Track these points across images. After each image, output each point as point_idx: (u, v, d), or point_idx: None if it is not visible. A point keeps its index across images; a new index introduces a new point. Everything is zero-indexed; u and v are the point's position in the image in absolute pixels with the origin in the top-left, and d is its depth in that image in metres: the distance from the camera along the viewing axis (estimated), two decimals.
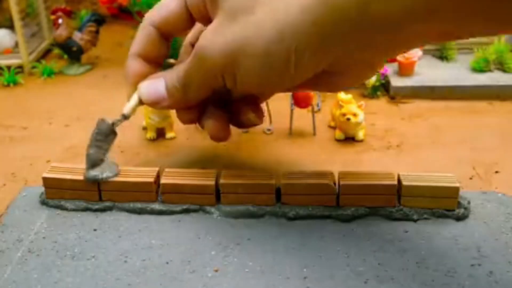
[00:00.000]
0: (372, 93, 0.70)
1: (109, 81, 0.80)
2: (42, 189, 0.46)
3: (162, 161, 0.54)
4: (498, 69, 0.73)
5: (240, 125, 0.46)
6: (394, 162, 0.54)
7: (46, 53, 0.92)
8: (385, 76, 0.71)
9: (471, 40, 0.76)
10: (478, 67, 0.73)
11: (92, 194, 0.45)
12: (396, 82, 0.71)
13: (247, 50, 0.36)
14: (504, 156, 0.55)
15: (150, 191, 0.45)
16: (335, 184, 0.44)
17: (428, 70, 0.74)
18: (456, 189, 0.43)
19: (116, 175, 0.45)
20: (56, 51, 0.90)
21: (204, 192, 0.44)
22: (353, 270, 0.38)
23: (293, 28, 0.34)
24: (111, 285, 0.37)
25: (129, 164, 0.53)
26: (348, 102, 0.57)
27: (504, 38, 0.77)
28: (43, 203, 0.46)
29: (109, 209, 0.45)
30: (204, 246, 0.41)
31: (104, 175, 0.45)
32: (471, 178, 0.51)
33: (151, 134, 0.59)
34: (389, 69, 0.73)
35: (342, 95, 0.58)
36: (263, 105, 0.48)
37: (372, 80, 0.69)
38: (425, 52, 0.77)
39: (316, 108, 0.62)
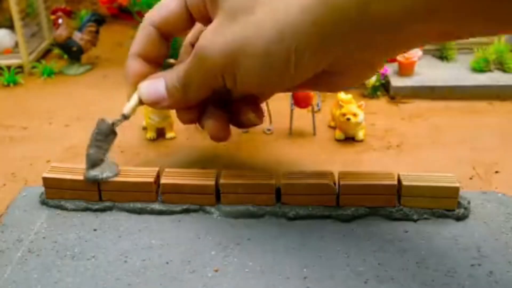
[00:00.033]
0: (372, 93, 0.70)
1: (109, 81, 0.80)
2: (42, 189, 0.46)
3: (162, 161, 0.54)
4: (498, 69, 0.73)
5: (240, 125, 0.46)
6: (394, 162, 0.54)
7: (46, 53, 0.92)
8: (385, 76, 0.71)
9: (471, 40, 0.76)
10: (478, 67, 0.73)
11: (92, 194, 0.45)
12: (396, 82, 0.71)
13: (247, 50, 0.36)
14: (504, 156, 0.55)
15: (150, 191, 0.45)
16: (335, 184, 0.44)
17: (428, 70, 0.74)
18: (456, 189, 0.43)
19: (116, 175, 0.45)
20: (56, 51, 0.90)
21: (204, 192, 0.44)
22: (353, 270, 0.38)
23: (293, 28, 0.34)
24: (111, 285, 0.37)
25: (129, 164, 0.53)
26: (348, 102, 0.57)
27: (504, 38, 0.77)
28: (43, 203, 0.46)
29: (109, 209, 0.45)
30: (204, 246, 0.41)
31: (104, 175, 0.45)
32: (471, 178, 0.51)
33: (151, 134, 0.59)
34: (389, 69, 0.73)
35: (342, 95, 0.58)
36: (263, 105, 0.48)
37: (372, 80, 0.69)
38: (425, 52, 0.77)
39: (316, 108, 0.62)
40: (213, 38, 0.37)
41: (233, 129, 0.46)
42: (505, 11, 0.29)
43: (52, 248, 0.41)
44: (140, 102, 0.44)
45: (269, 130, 0.60)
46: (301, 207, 0.44)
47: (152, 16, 0.43)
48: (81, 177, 0.45)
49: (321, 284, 0.37)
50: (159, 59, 0.46)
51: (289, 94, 0.59)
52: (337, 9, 0.33)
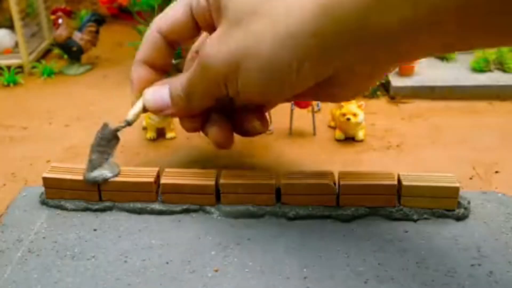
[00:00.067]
0: (372, 93, 0.70)
1: (109, 81, 0.80)
2: (42, 189, 0.46)
3: (162, 161, 0.54)
4: (498, 69, 0.73)
5: (244, 133, 0.46)
6: (394, 162, 0.54)
7: (46, 53, 0.92)
8: (385, 76, 0.71)
9: None
10: (478, 67, 0.73)
11: (92, 194, 0.45)
12: (396, 82, 0.71)
13: (249, 59, 0.36)
14: (504, 156, 0.55)
15: (150, 191, 0.45)
16: (335, 184, 0.44)
17: (428, 70, 0.74)
18: (456, 189, 0.43)
19: (116, 175, 0.45)
20: (56, 51, 0.90)
21: (204, 192, 0.44)
22: (353, 270, 0.38)
23: (293, 40, 0.34)
24: (111, 285, 0.37)
25: (129, 164, 0.53)
26: (348, 102, 0.57)
27: None
28: (43, 203, 0.46)
29: (109, 209, 0.45)
30: (204, 246, 0.41)
31: (104, 176, 0.45)
32: (471, 178, 0.51)
33: (151, 134, 0.59)
34: None
35: None
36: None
37: None
38: None
39: (316, 108, 0.62)
40: (216, 46, 0.38)
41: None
42: (506, 24, 0.29)
43: (52, 248, 0.41)
44: (144, 109, 0.44)
45: (269, 130, 0.60)
46: (301, 207, 0.44)
47: (159, 23, 0.43)
48: (81, 177, 0.45)
49: (321, 284, 0.37)
50: (165, 66, 0.46)
51: None
52: (337, 21, 0.33)
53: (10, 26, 0.87)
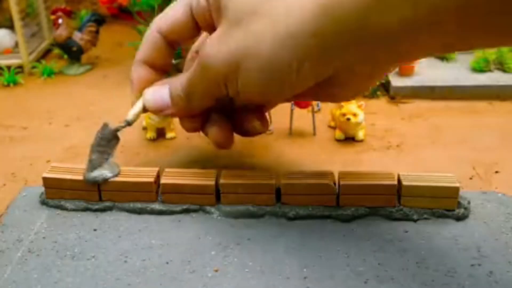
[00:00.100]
0: (372, 93, 0.70)
1: (109, 81, 0.80)
2: (42, 189, 0.46)
3: (162, 161, 0.54)
4: (498, 69, 0.73)
5: (244, 133, 0.46)
6: (394, 162, 0.54)
7: (46, 53, 0.92)
8: (385, 76, 0.71)
9: None
10: (478, 67, 0.73)
11: (92, 194, 0.45)
12: (396, 82, 0.71)
13: (248, 59, 0.36)
14: (504, 156, 0.55)
15: (150, 191, 0.45)
16: (335, 184, 0.44)
17: (428, 70, 0.74)
18: (456, 189, 0.43)
19: (116, 175, 0.45)
20: (56, 51, 0.90)
21: (204, 192, 0.44)
22: (353, 270, 0.38)
23: (293, 40, 0.34)
24: (111, 285, 0.37)
25: (129, 164, 0.53)
26: (348, 102, 0.57)
27: None
28: (43, 203, 0.46)
29: (109, 209, 0.45)
30: (204, 246, 0.41)
31: (104, 176, 0.45)
32: (471, 178, 0.51)
33: (151, 134, 0.59)
34: None
35: None
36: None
37: None
38: None
39: (316, 108, 0.62)
40: (216, 47, 0.38)
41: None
42: (506, 24, 0.29)
43: (52, 248, 0.41)
44: (144, 109, 0.44)
45: (269, 130, 0.60)
46: (301, 207, 0.44)
47: (159, 23, 0.43)
48: (81, 177, 0.45)
49: (321, 284, 0.37)
50: (165, 66, 0.46)
51: None
52: (337, 20, 0.33)
53: (10, 26, 0.87)
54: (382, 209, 0.44)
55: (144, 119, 0.60)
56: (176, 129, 0.60)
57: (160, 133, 0.60)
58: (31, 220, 0.44)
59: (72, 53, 0.84)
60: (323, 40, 0.34)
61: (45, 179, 0.46)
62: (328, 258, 0.39)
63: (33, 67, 0.83)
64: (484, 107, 0.67)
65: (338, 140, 0.58)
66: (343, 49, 0.34)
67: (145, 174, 0.45)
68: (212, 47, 0.38)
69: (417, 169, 0.52)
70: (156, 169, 0.46)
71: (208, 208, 0.45)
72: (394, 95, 0.70)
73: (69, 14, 0.86)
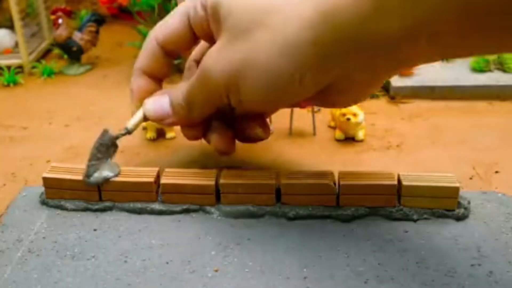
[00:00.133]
0: (372, 94, 0.70)
1: (109, 81, 0.80)
2: (42, 189, 0.46)
3: (162, 161, 0.54)
4: (498, 69, 0.73)
5: (246, 139, 0.46)
6: (394, 162, 0.54)
7: (46, 53, 0.92)
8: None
9: None
10: (478, 67, 0.73)
11: (92, 194, 0.45)
12: (396, 82, 0.71)
13: (249, 71, 0.36)
14: (504, 156, 0.55)
15: (150, 191, 0.45)
16: (335, 184, 0.44)
17: (428, 70, 0.74)
18: (456, 189, 0.43)
19: (117, 175, 0.45)
20: (56, 51, 0.90)
21: (204, 192, 0.44)
22: (353, 270, 0.38)
23: (292, 49, 0.34)
24: (111, 285, 0.37)
25: (129, 164, 0.53)
26: None
27: None
28: (43, 203, 0.46)
29: (109, 209, 0.45)
30: (204, 246, 0.41)
31: (105, 176, 0.45)
32: (471, 178, 0.51)
33: (151, 134, 0.59)
34: None
35: None
36: None
37: None
38: None
39: (316, 108, 0.62)
40: (216, 58, 0.38)
41: None
42: (505, 25, 0.29)
43: (52, 248, 0.41)
44: (145, 118, 0.45)
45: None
46: (301, 207, 0.44)
47: (156, 32, 0.43)
48: (81, 177, 0.45)
49: (321, 284, 0.37)
50: (164, 75, 0.46)
51: None
52: (337, 28, 0.33)
53: (10, 26, 0.87)
54: (382, 209, 0.44)
55: None
56: (176, 129, 0.60)
57: (160, 133, 0.60)
58: (31, 220, 0.44)
59: (72, 53, 0.84)
60: (323, 48, 0.34)
61: (45, 179, 0.46)
62: (328, 258, 0.39)
63: (33, 67, 0.83)
64: (484, 107, 0.67)
65: (338, 140, 0.58)
66: (343, 56, 0.34)
67: (145, 174, 0.45)
68: (213, 59, 0.38)
69: (417, 169, 0.52)
70: (156, 169, 0.46)
71: (208, 208, 0.45)
72: (394, 95, 0.70)
73: (69, 14, 0.86)
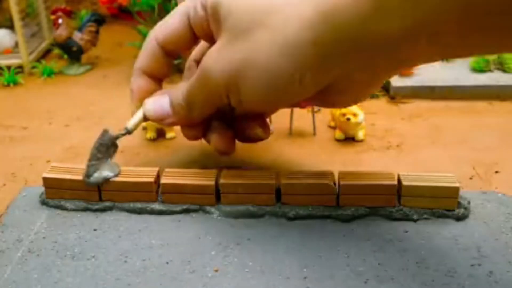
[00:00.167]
0: (372, 94, 0.70)
1: (109, 81, 0.80)
2: (42, 189, 0.46)
3: (162, 161, 0.54)
4: (498, 69, 0.73)
5: (246, 139, 0.46)
6: (394, 162, 0.54)
7: (46, 53, 0.92)
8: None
9: None
10: (478, 67, 0.73)
11: (92, 194, 0.45)
12: (396, 82, 0.71)
13: (250, 71, 0.36)
14: (504, 156, 0.55)
15: (150, 191, 0.45)
16: (335, 184, 0.44)
17: (428, 70, 0.74)
18: (456, 189, 0.43)
19: (117, 175, 0.45)
20: (56, 51, 0.90)
21: (204, 192, 0.44)
22: (353, 270, 0.38)
23: (292, 49, 0.34)
24: (111, 285, 0.37)
25: (129, 164, 0.53)
26: None
27: None
28: (43, 203, 0.46)
29: (109, 209, 0.45)
30: (204, 246, 0.41)
31: (105, 176, 0.45)
32: (471, 178, 0.51)
33: (151, 134, 0.60)
34: None
35: None
36: None
37: None
38: None
39: (316, 108, 0.62)
40: (216, 58, 0.38)
41: None
42: (505, 24, 0.29)
43: (52, 248, 0.41)
44: (145, 118, 0.45)
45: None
46: (301, 207, 0.44)
47: (156, 32, 0.43)
48: (81, 177, 0.45)
49: (321, 284, 0.37)
50: (163, 75, 0.46)
51: None
52: (337, 28, 0.33)
53: (10, 26, 0.87)
54: (382, 209, 0.44)
55: None
56: (176, 129, 0.60)
57: (160, 133, 0.60)
58: (31, 220, 0.44)
59: (72, 53, 0.84)
60: (324, 48, 0.34)
61: (45, 179, 0.46)
62: (328, 258, 0.39)
63: (33, 67, 0.83)
64: (484, 107, 0.67)
65: (338, 140, 0.58)
66: (343, 56, 0.34)
67: (145, 174, 0.45)
68: (213, 59, 0.38)
69: (417, 169, 0.52)
70: (156, 169, 0.46)
71: (208, 208, 0.45)
72: (394, 95, 0.70)
73: (69, 14, 0.86)
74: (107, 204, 0.45)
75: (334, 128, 0.60)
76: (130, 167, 0.47)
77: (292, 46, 0.34)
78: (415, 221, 0.43)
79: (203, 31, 0.41)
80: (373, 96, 0.70)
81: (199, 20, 0.40)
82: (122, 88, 0.75)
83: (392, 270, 0.38)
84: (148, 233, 0.43)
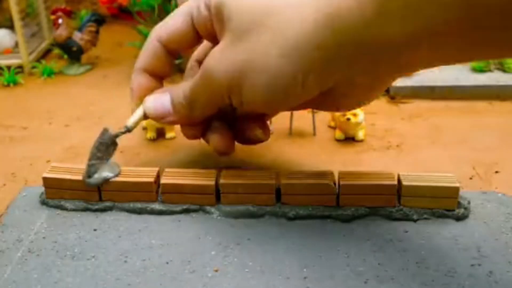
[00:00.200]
0: None
1: (109, 81, 0.80)
2: (42, 189, 0.46)
3: (162, 161, 0.54)
4: (498, 69, 0.73)
5: (246, 141, 0.46)
6: (394, 162, 0.54)
7: (46, 53, 0.91)
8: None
9: None
10: (478, 67, 0.73)
11: (92, 194, 0.45)
12: (396, 82, 0.71)
13: (252, 72, 0.36)
14: (504, 156, 0.55)
15: (150, 191, 0.45)
16: (335, 184, 0.44)
17: (428, 70, 0.74)
18: (456, 189, 0.43)
19: (117, 175, 0.45)
20: (56, 51, 0.90)
21: (204, 192, 0.44)
22: (353, 270, 0.38)
23: (296, 52, 0.34)
24: (111, 285, 0.37)
25: (129, 164, 0.53)
26: None
27: None
28: (43, 203, 0.46)
29: (109, 209, 0.45)
30: (204, 246, 0.41)
31: (105, 176, 0.45)
32: (471, 178, 0.51)
33: (151, 134, 0.59)
34: None
35: None
36: None
37: None
38: None
39: None
40: (219, 59, 0.38)
41: None
42: (506, 38, 0.29)
43: (52, 248, 0.41)
44: (145, 116, 0.45)
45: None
46: (301, 207, 0.44)
47: (158, 32, 0.43)
48: (81, 177, 0.45)
49: (321, 284, 0.37)
50: (165, 74, 0.46)
51: None
52: (340, 32, 0.33)
53: (10, 26, 0.87)
54: (382, 209, 0.44)
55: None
56: (176, 129, 0.60)
57: (160, 133, 0.60)
58: (31, 220, 0.44)
59: (72, 53, 0.84)
60: (327, 52, 0.34)
61: (45, 179, 0.46)
62: (328, 258, 0.39)
63: (33, 67, 0.83)
64: (484, 107, 0.67)
65: (338, 140, 0.58)
66: (346, 60, 0.34)
67: (145, 174, 0.45)
68: (215, 60, 0.38)
69: (417, 169, 0.52)
70: (156, 169, 0.46)
71: (208, 208, 0.45)
72: (394, 95, 0.70)
73: (69, 14, 0.86)
74: (107, 204, 0.45)
75: (334, 128, 0.60)
76: (130, 167, 0.47)
77: (293, 47, 0.34)
78: (415, 221, 0.43)
79: (206, 31, 0.41)
80: None
81: (203, 20, 0.40)
82: (122, 88, 0.75)
83: (392, 270, 0.38)
84: (148, 233, 0.43)
